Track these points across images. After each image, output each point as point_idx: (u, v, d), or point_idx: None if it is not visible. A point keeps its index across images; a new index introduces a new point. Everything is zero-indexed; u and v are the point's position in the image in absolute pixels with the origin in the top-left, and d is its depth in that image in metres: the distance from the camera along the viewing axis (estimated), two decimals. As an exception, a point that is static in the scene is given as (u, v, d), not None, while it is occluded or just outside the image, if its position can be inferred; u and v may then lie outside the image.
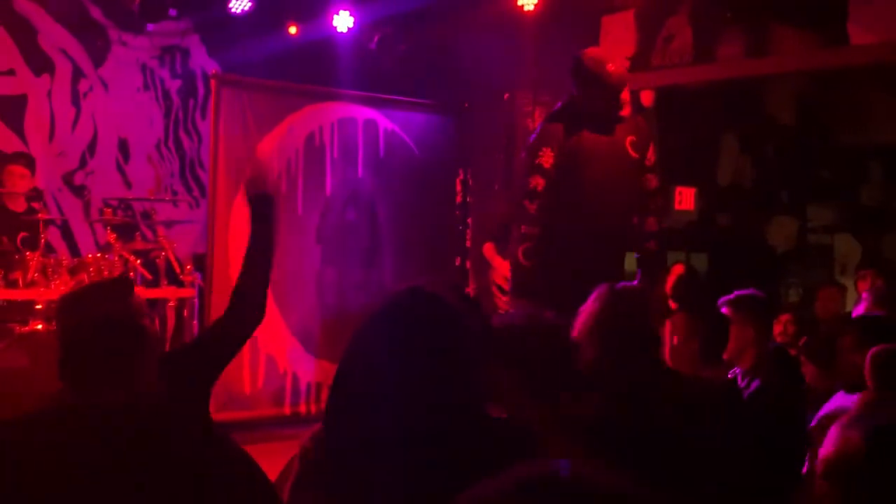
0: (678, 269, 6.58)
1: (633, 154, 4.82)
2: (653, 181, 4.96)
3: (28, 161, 7.07)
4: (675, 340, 6.61)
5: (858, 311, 4.93)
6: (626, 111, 4.83)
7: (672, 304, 6.59)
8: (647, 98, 7.47)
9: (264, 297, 3.49)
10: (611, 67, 4.76)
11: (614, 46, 7.30)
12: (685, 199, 7.17)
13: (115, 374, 2.47)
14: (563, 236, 4.69)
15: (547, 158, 4.70)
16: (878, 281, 5.90)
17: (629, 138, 4.82)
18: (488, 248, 6.49)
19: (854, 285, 6.25)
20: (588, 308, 3.11)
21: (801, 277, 6.63)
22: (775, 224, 6.95)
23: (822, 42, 6.28)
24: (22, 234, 6.47)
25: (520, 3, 7.20)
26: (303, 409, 7.26)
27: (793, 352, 4.95)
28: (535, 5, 7.20)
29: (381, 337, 1.99)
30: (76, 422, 2.37)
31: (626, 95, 4.82)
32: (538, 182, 4.69)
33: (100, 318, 2.58)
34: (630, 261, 5.07)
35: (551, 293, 4.42)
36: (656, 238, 4.92)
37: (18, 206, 6.73)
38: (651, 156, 4.93)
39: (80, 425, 2.35)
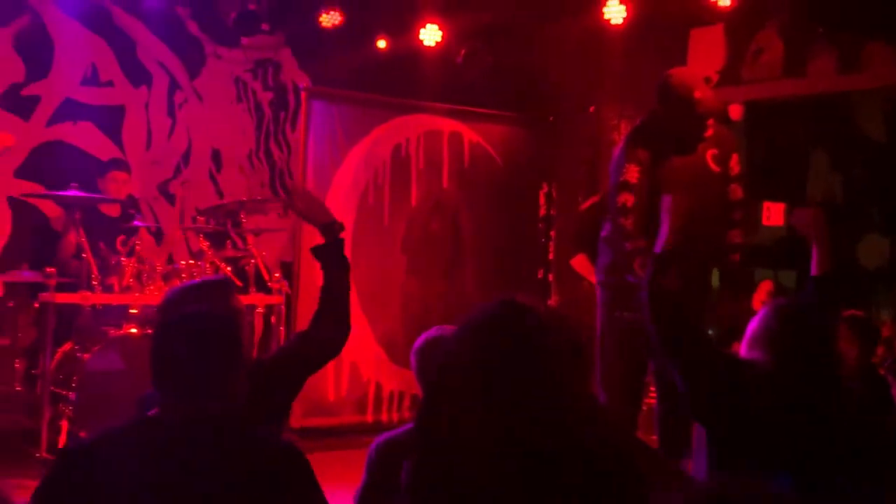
0: (767, 286, 6.51)
1: (714, 167, 4.80)
2: (737, 192, 4.93)
3: (125, 166, 7.21)
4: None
5: None
6: (709, 133, 4.81)
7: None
8: (735, 112, 7.39)
9: (348, 318, 3.44)
10: (698, 95, 4.75)
11: (703, 60, 7.26)
12: (773, 214, 7.07)
13: (206, 383, 2.46)
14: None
15: (632, 174, 4.72)
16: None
17: (710, 151, 4.81)
18: (581, 260, 6.41)
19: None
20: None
21: (893, 297, 6.49)
22: (866, 242, 6.81)
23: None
24: (120, 238, 6.54)
25: (606, 16, 7.16)
26: (385, 417, 7.33)
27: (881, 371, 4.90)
28: (623, 19, 7.15)
29: (475, 350, 1.95)
30: (162, 435, 2.41)
31: (711, 121, 4.81)
32: (626, 198, 4.70)
33: (194, 325, 2.57)
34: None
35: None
36: (740, 251, 4.89)
37: (114, 211, 6.88)
38: (735, 166, 4.90)
39: (165, 439, 2.39)
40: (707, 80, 5.00)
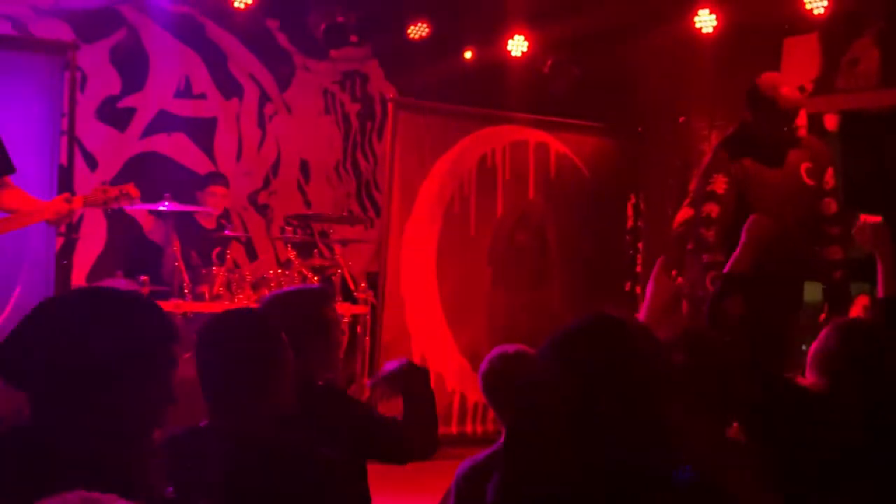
0: (863, 300, 6.36)
1: (808, 181, 4.70)
2: (832, 206, 4.81)
3: (225, 181, 7.31)
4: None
5: None
6: (801, 134, 4.72)
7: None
8: (830, 122, 7.26)
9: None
10: (785, 90, 4.68)
11: (796, 69, 7.14)
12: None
13: (246, 398, 2.54)
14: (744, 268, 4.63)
15: (719, 185, 4.65)
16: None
17: (804, 165, 4.71)
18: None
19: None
20: (823, 343, 2.94)
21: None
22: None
23: None
24: (217, 250, 6.66)
25: (698, 25, 7.13)
26: (469, 428, 7.30)
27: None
28: (714, 27, 7.11)
29: (566, 364, 1.86)
30: (205, 445, 2.47)
31: (801, 120, 4.71)
32: (712, 209, 4.64)
33: (235, 345, 2.62)
34: (812, 291, 4.92)
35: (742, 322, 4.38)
36: (842, 267, 4.77)
37: (211, 223, 7.01)
38: (829, 179, 4.79)
39: (209, 448, 2.45)
40: (801, 88, 4.91)
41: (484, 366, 3.38)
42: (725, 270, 3.60)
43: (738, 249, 3.56)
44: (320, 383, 3.26)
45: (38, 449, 1.82)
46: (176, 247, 6.34)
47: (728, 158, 4.70)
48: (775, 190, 4.63)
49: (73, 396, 1.85)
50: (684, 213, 5.67)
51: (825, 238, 4.75)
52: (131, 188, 4.85)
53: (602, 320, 1.93)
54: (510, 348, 3.37)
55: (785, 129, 4.65)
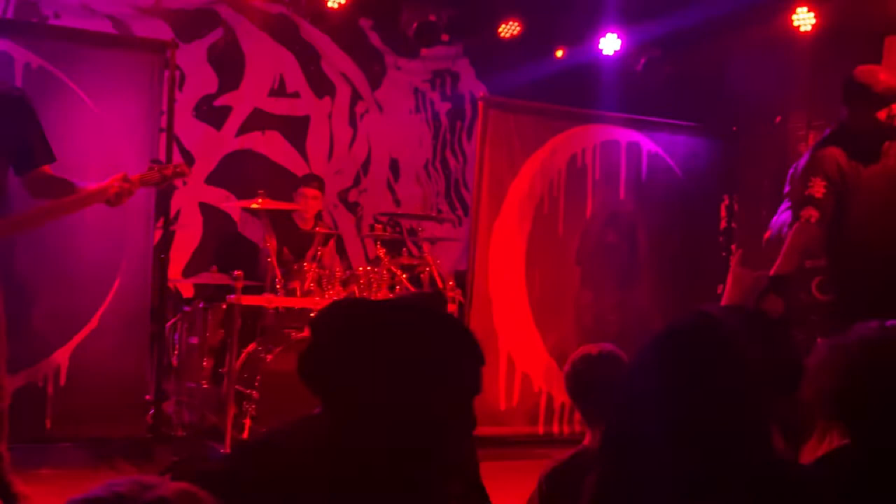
0: None
1: None
2: None
3: (320, 184, 7.35)
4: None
5: None
6: None
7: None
8: None
9: None
10: (882, 76, 4.62)
11: None
12: None
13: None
14: (848, 270, 4.55)
15: (818, 188, 4.56)
16: None
17: None
18: None
19: None
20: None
21: None
22: None
23: None
24: (312, 252, 6.74)
25: (795, 23, 7.08)
26: (556, 428, 7.26)
27: None
28: (813, 26, 7.05)
29: (663, 367, 1.83)
30: (315, 432, 2.44)
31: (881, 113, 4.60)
32: (811, 214, 4.55)
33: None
34: None
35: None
36: None
37: (307, 224, 7.07)
38: None
39: (318, 435, 2.42)
40: None
41: (567, 367, 3.37)
42: (770, 272, 3.55)
43: (782, 252, 3.50)
44: None
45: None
46: (270, 244, 6.44)
47: (824, 160, 4.61)
48: (878, 188, 4.54)
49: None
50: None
51: None
52: (184, 166, 4.87)
53: (702, 319, 1.88)
54: (594, 348, 3.36)
55: (880, 117, 4.56)
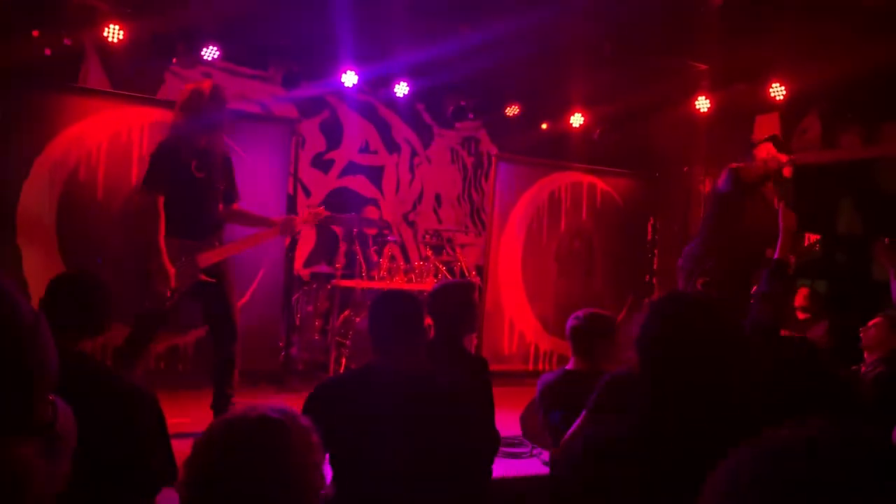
0: (804, 291, 6.26)
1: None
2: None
3: (376, 204, 7.44)
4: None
5: None
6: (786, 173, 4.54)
7: (800, 315, 6.27)
8: (787, 172, 7.13)
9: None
10: (761, 153, 4.59)
11: (764, 136, 7.06)
12: (812, 241, 6.81)
13: (406, 348, 2.44)
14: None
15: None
16: None
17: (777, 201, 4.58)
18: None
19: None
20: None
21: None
22: (878, 263, 6.44)
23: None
24: (374, 248, 6.79)
25: (697, 106, 7.07)
26: (541, 366, 7.19)
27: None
28: (708, 108, 7.05)
29: (655, 324, 1.65)
30: (376, 379, 2.35)
31: (786, 172, 4.57)
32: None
33: (402, 310, 2.47)
34: None
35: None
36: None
37: (373, 230, 7.02)
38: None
39: (377, 382, 2.34)
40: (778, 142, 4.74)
41: (573, 320, 3.27)
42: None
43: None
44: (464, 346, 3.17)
45: None
46: (356, 245, 6.52)
47: (723, 195, 4.52)
48: (741, 211, 4.45)
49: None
50: None
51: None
52: (323, 210, 4.72)
53: (679, 296, 1.75)
54: (586, 311, 3.26)
55: (763, 154, 4.50)
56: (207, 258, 4.07)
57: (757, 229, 4.42)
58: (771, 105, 6.70)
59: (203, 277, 4.05)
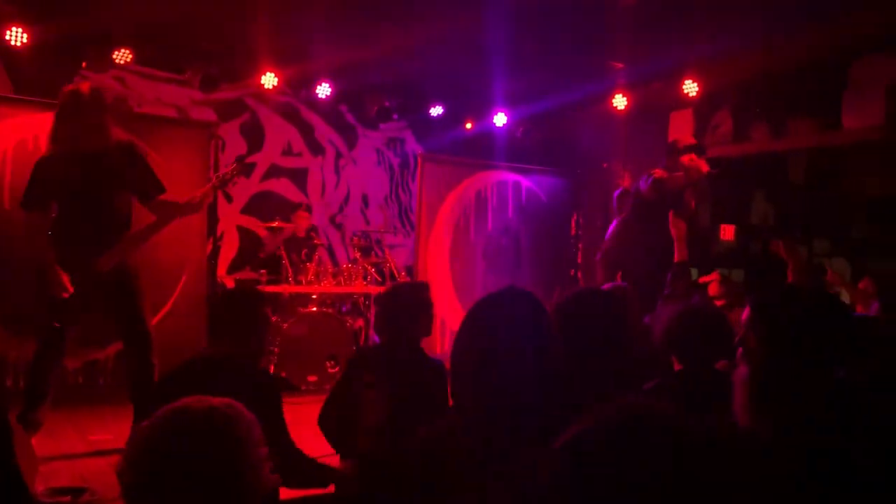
0: (715, 275, 6.43)
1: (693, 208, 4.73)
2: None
3: (308, 208, 7.31)
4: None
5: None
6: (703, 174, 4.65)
7: (717, 304, 6.49)
8: (703, 166, 7.32)
9: None
10: (683, 138, 4.73)
11: (679, 132, 7.13)
12: (727, 232, 7.02)
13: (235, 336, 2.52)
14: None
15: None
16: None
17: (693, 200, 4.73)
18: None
19: (846, 291, 6.02)
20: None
21: (809, 288, 6.41)
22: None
23: (823, 126, 6.09)
24: (304, 251, 6.67)
25: (615, 104, 7.17)
26: None
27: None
28: (625, 106, 7.16)
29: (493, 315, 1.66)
30: (202, 365, 2.48)
31: (707, 179, 4.72)
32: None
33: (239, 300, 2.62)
34: None
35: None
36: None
37: (301, 233, 6.94)
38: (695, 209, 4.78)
39: (205, 367, 2.45)
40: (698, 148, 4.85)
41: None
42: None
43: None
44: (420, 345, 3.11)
45: None
46: (282, 250, 6.40)
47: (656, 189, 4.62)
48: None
49: None
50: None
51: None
52: (236, 166, 4.38)
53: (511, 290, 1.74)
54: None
55: (687, 161, 4.60)
56: (107, 261, 3.88)
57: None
58: (685, 102, 6.85)
59: (105, 280, 3.87)
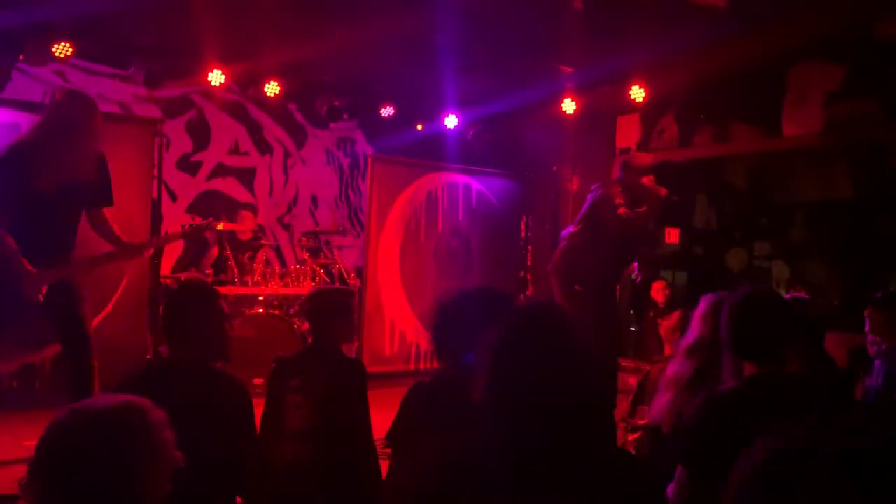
0: (660, 284, 6.54)
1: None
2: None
3: (253, 209, 7.22)
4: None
5: None
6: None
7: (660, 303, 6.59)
8: (662, 191, 7.39)
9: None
10: (640, 158, 4.80)
11: (626, 135, 7.28)
12: (671, 235, 7.16)
13: (191, 339, 2.47)
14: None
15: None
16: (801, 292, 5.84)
17: (643, 208, 4.76)
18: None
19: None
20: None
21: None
22: (732, 254, 6.85)
23: (764, 133, 6.24)
24: (248, 254, 6.59)
25: (564, 108, 7.22)
26: (422, 366, 7.25)
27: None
28: (574, 110, 7.21)
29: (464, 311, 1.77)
30: (164, 371, 2.44)
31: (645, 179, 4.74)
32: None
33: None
34: None
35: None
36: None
37: (245, 236, 6.88)
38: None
39: (166, 373, 2.40)
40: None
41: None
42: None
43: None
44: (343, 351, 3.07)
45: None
46: (227, 251, 6.33)
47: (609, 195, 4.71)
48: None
49: None
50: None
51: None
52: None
53: (534, 304, 1.62)
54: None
55: (647, 182, 4.69)
56: (51, 277, 3.74)
57: (626, 245, 4.70)
58: (632, 107, 6.96)
59: (46, 293, 3.73)
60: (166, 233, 4.11)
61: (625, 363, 5.92)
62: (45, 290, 3.73)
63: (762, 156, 6.50)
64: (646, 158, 4.80)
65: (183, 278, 6.59)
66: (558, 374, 1.33)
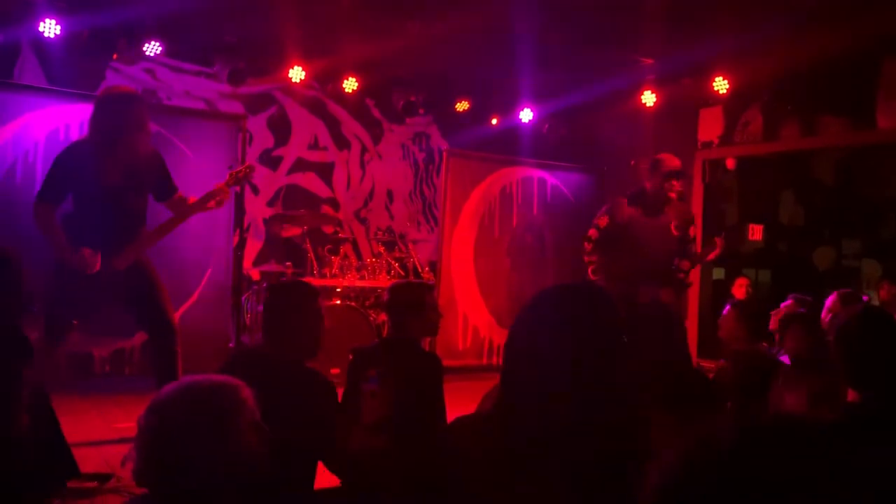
0: (743, 281, 6.37)
1: (675, 233, 4.69)
2: (696, 247, 4.85)
3: (334, 203, 7.41)
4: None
5: None
6: (672, 195, 4.61)
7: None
8: (730, 164, 7.25)
9: None
10: (668, 161, 4.63)
11: (708, 129, 7.14)
12: (755, 232, 6.95)
13: (283, 334, 2.52)
14: (613, 269, 4.67)
15: (602, 221, 4.71)
16: (893, 289, 5.59)
17: (673, 223, 4.69)
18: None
19: (876, 294, 5.95)
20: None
21: (837, 290, 6.33)
22: (819, 252, 6.61)
23: (855, 125, 6.00)
24: (328, 247, 6.78)
25: (643, 101, 7.17)
26: (495, 361, 7.21)
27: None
28: (654, 102, 7.16)
29: (542, 314, 1.42)
30: (255, 361, 2.52)
31: (677, 185, 4.59)
32: (592, 232, 4.73)
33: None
34: None
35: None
36: (685, 272, 4.78)
37: (328, 229, 7.10)
38: (692, 232, 4.76)
39: (258, 367, 2.43)
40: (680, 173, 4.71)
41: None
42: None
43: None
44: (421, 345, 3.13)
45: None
46: (307, 243, 6.46)
47: (616, 206, 4.70)
48: (646, 232, 4.60)
49: None
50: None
51: (683, 255, 4.74)
52: (249, 166, 4.45)
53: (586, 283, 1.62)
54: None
55: (664, 187, 4.55)
56: (124, 259, 3.92)
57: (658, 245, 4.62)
58: (715, 99, 6.81)
59: (123, 280, 3.91)
60: (214, 187, 4.24)
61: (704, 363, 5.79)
62: (123, 275, 3.91)
63: (852, 150, 6.21)
64: (674, 161, 4.62)
65: (263, 271, 6.83)
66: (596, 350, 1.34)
